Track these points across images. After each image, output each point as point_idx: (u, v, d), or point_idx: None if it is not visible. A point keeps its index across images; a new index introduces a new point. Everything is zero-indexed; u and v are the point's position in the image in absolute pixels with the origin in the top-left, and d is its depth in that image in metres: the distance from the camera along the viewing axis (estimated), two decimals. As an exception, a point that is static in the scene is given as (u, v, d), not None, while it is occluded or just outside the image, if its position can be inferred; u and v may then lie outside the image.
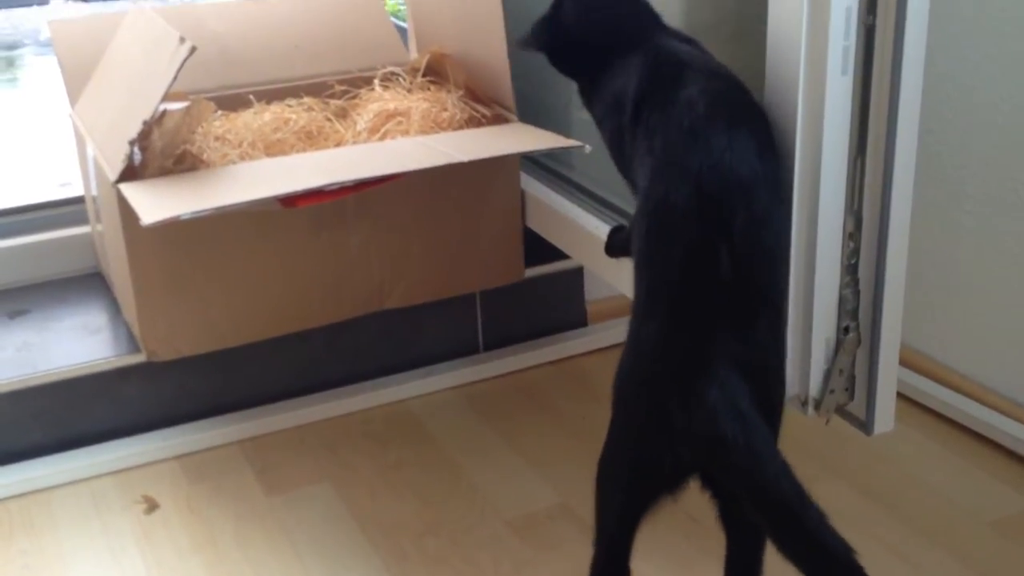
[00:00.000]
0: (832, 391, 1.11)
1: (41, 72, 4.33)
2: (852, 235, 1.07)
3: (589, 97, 1.27)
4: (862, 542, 0.97)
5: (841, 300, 1.09)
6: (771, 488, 0.98)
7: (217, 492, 1.51)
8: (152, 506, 1.49)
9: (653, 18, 1.23)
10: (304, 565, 1.37)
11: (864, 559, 0.97)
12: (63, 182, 2.37)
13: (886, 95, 1.02)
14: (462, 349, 1.82)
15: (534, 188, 1.71)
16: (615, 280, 1.44)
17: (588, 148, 1.49)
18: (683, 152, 1.02)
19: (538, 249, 1.73)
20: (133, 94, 1.46)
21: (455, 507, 1.47)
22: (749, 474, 0.99)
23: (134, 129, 1.39)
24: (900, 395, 1.23)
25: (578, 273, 1.87)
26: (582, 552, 1.14)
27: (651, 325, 1.03)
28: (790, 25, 1.02)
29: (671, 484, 1.06)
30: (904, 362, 1.62)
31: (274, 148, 1.61)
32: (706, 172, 0.99)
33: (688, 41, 1.19)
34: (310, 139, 1.66)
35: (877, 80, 1.02)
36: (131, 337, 1.60)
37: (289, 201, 1.39)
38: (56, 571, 1.37)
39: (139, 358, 1.56)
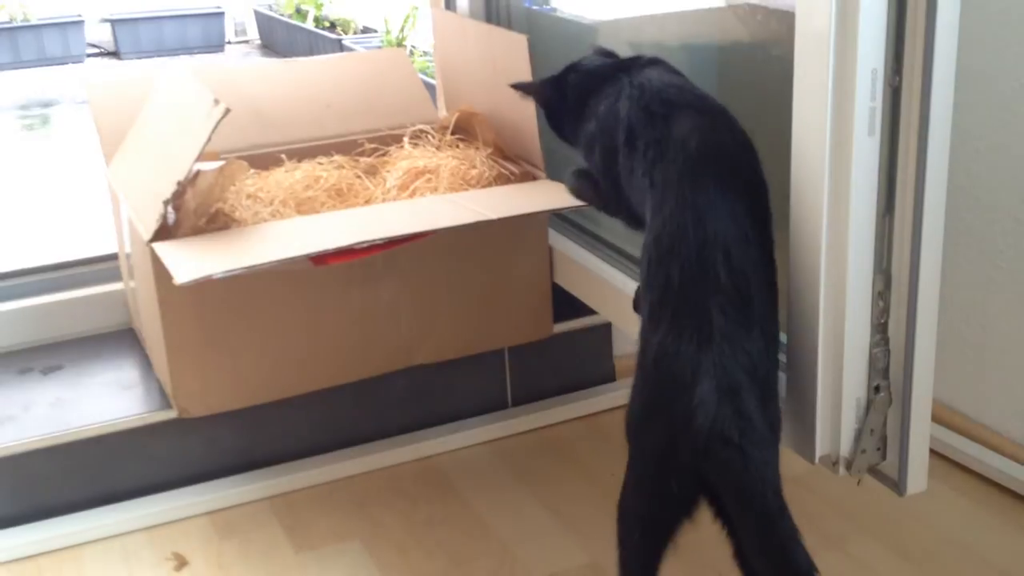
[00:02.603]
0: (864, 451, 1.10)
1: (75, 129, 4.42)
2: (882, 294, 1.06)
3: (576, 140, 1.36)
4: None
5: (871, 359, 1.08)
6: (756, 493, 1.03)
7: (247, 548, 1.51)
8: (182, 563, 1.49)
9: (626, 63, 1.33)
10: (333, 624, 1.37)
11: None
12: (95, 238, 2.40)
13: (913, 155, 1.02)
14: (490, 405, 1.82)
15: (562, 245, 1.72)
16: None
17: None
18: (679, 187, 1.09)
19: (566, 305, 1.74)
20: (167, 154, 1.49)
21: (484, 565, 1.46)
22: (739, 474, 1.03)
23: (168, 189, 1.42)
24: (933, 452, 1.22)
25: (606, 329, 1.87)
26: (612, 613, 1.14)
27: (655, 336, 1.07)
28: (816, 87, 1.03)
29: (684, 498, 1.08)
30: (937, 419, 1.60)
31: (305, 206, 1.63)
32: (701, 202, 1.07)
33: (655, 62, 1.28)
34: (340, 196, 1.68)
35: (904, 140, 1.03)
36: (163, 393, 1.62)
37: (320, 259, 1.40)
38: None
39: (170, 414, 1.57)
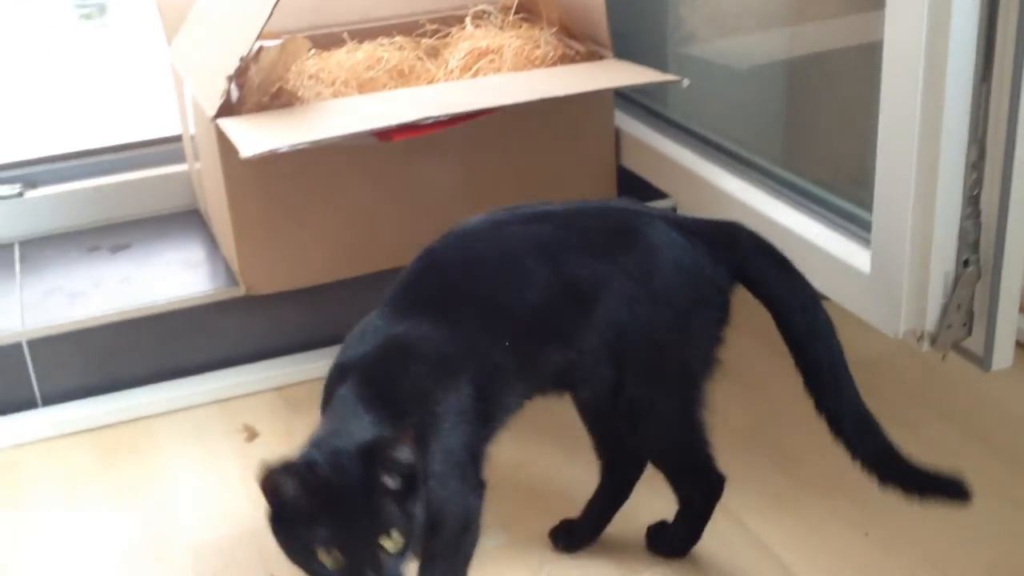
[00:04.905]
0: (949, 326, 1.08)
1: (133, 18, 4.39)
2: (975, 164, 1.02)
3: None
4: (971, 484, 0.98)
5: (962, 232, 1.05)
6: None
7: (315, 423, 1.53)
8: (252, 435, 1.51)
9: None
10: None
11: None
12: (156, 122, 2.40)
13: (1015, 16, 0.97)
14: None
15: (629, 125, 1.68)
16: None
17: (686, 82, 1.46)
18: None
19: (632, 191, 1.70)
20: (229, 32, 1.47)
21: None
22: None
23: (232, 65, 1.40)
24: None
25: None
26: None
27: None
28: (916, -58, 0.97)
29: None
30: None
31: (366, 86, 1.61)
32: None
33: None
34: (402, 77, 1.65)
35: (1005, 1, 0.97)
36: (228, 272, 1.62)
37: (385, 135, 1.39)
38: (162, 490, 1.41)
39: (237, 292, 1.58)
